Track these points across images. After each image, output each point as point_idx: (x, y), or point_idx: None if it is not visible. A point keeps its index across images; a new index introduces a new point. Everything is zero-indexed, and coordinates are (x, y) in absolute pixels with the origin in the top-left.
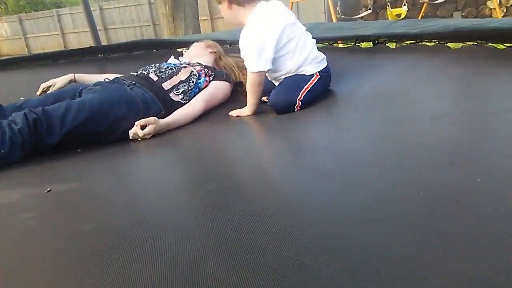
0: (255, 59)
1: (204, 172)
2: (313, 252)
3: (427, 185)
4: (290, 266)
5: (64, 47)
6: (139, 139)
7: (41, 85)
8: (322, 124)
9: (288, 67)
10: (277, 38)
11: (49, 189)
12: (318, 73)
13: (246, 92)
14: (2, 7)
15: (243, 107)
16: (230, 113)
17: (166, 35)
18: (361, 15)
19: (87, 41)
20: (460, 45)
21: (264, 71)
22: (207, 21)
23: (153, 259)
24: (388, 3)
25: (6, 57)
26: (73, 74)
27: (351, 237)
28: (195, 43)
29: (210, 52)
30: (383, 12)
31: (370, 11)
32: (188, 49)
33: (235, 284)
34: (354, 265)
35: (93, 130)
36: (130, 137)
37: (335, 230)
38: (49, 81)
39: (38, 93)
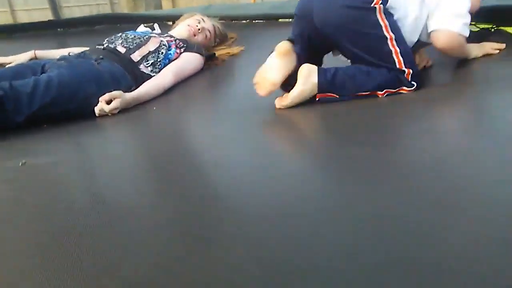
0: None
1: (166, 152)
2: None
3: None
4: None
5: None
6: (109, 115)
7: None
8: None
9: None
10: None
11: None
12: None
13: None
14: None
15: (215, 78)
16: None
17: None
18: None
19: (39, 18)
20: None
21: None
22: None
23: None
24: None
25: None
26: (33, 51)
27: None
28: (191, 16)
29: (189, 26)
30: None
31: None
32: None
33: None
34: None
35: (62, 108)
36: (97, 114)
37: None
38: (9, 57)
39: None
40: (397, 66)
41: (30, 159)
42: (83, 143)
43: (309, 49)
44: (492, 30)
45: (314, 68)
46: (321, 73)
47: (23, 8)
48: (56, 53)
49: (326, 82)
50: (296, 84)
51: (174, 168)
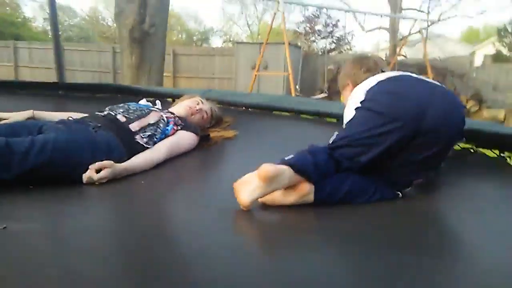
0: None
1: (142, 230)
2: None
3: None
4: None
5: (15, 79)
6: (96, 183)
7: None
8: None
9: None
10: None
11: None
12: None
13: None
14: None
15: (206, 158)
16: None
17: (127, 84)
18: (316, 97)
19: (40, 77)
20: None
21: None
22: (170, 78)
23: None
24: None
25: None
26: (32, 111)
27: None
28: (191, 98)
29: (188, 106)
30: (336, 97)
31: (326, 94)
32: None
33: None
34: None
35: (52, 171)
36: (84, 181)
37: None
38: (6, 113)
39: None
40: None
41: (11, 224)
42: (66, 211)
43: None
44: (472, 151)
45: (312, 188)
46: (318, 191)
47: (27, 65)
48: (54, 115)
49: (322, 200)
50: (288, 196)
51: (144, 248)
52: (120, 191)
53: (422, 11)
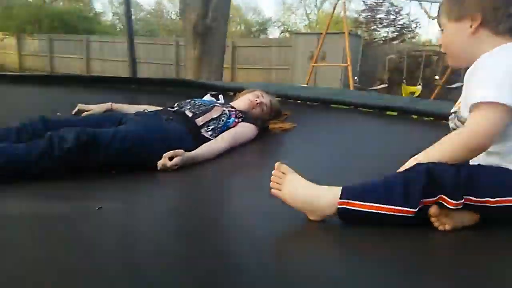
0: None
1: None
2: None
3: None
4: None
5: (86, 71)
6: (169, 170)
7: (79, 105)
8: None
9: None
10: None
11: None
12: None
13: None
14: (36, 26)
15: (266, 148)
16: None
17: (190, 76)
18: (376, 87)
19: (110, 69)
20: None
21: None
22: (228, 69)
23: None
24: (404, 80)
25: (43, 74)
26: (110, 104)
27: None
28: (252, 92)
29: (249, 100)
30: (397, 88)
31: (386, 85)
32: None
33: None
34: None
35: (132, 158)
36: (158, 168)
37: None
38: (89, 105)
39: (73, 111)
40: None
41: (104, 204)
42: (144, 193)
43: None
44: None
45: None
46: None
47: (98, 58)
48: (130, 108)
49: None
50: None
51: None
52: (190, 176)
53: None
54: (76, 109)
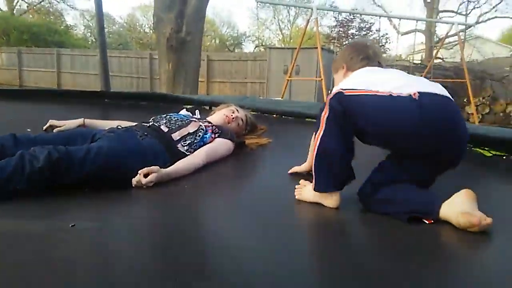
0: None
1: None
2: None
3: None
4: None
5: (57, 85)
6: (144, 187)
7: (50, 121)
8: None
9: None
10: None
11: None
12: None
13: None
14: (4, 39)
15: (242, 164)
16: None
17: (164, 90)
18: None
19: (82, 83)
20: None
21: None
22: (204, 83)
23: None
24: None
25: (12, 88)
26: (83, 119)
27: None
28: (227, 107)
29: (225, 115)
30: None
31: None
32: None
33: None
34: None
35: (105, 175)
36: (133, 185)
37: None
38: (61, 121)
39: (44, 127)
40: None
41: (78, 222)
42: (117, 211)
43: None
44: (504, 157)
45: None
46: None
47: (69, 71)
48: (104, 124)
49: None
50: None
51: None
52: (165, 193)
53: (460, 13)
54: (47, 125)
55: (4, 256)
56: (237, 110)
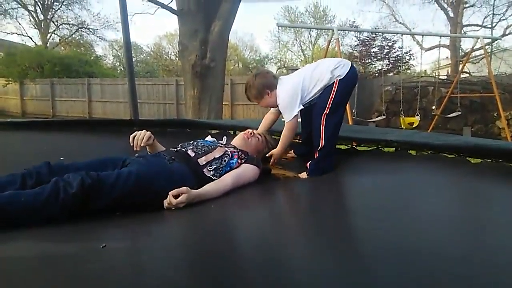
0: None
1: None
2: None
3: None
4: None
5: (88, 113)
6: (172, 208)
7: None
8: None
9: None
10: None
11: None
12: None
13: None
14: (38, 71)
15: (268, 190)
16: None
17: (190, 115)
18: (374, 119)
19: (111, 110)
20: (479, 160)
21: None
22: (227, 106)
23: None
24: (402, 112)
25: (47, 119)
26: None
27: None
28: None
29: (244, 134)
30: (395, 119)
31: (384, 116)
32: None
33: None
34: None
35: (136, 199)
36: (165, 207)
37: None
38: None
39: (137, 147)
40: None
41: (109, 242)
42: (149, 232)
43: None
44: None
45: None
46: None
47: (100, 100)
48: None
49: None
50: None
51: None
52: (195, 213)
53: (485, 26)
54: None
55: (39, 277)
56: (253, 131)
